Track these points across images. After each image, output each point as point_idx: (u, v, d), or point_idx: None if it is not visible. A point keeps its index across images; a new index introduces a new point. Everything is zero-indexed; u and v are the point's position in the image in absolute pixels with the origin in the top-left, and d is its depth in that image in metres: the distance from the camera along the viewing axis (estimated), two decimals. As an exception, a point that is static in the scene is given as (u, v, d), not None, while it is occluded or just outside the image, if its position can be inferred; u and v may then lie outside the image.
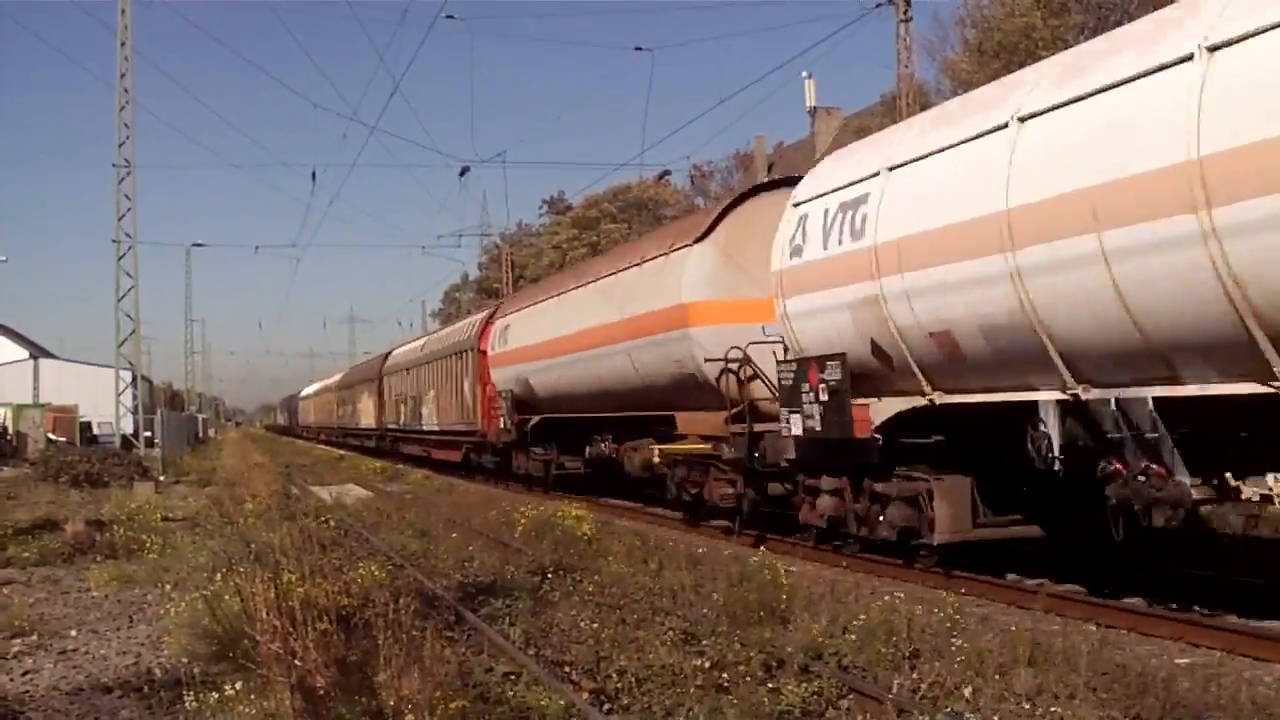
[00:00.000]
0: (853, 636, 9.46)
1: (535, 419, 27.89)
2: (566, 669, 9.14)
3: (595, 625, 10.35)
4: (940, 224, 11.68)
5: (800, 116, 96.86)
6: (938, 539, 12.68)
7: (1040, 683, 7.99)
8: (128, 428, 44.31)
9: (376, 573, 12.36)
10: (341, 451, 65.55)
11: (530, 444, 28.51)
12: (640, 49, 61.72)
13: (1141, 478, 9.78)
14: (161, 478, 36.34)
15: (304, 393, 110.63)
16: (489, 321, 32.79)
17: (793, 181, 16.54)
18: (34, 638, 11.33)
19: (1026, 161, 10.46)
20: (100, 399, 50.81)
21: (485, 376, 31.57)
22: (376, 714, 7.15)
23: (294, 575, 9.85)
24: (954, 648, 8.94)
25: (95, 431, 56.68)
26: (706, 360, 17.25)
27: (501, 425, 29.49)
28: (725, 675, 8.34)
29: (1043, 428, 11.63)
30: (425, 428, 41.99)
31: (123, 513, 21.72)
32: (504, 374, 29.41)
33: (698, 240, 18.30)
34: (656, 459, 19.56)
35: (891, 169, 12.84)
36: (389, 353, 56.44)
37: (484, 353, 31.85)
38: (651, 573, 13.60)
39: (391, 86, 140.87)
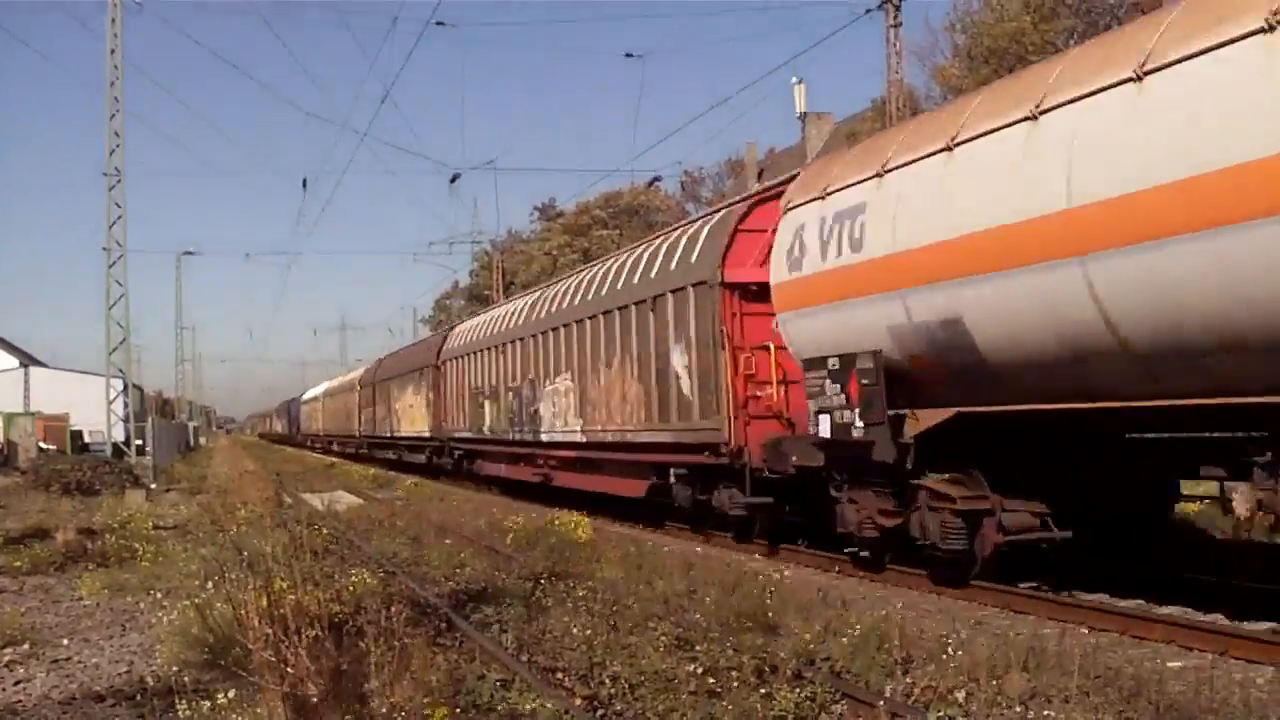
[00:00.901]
0: (845, 642, 9.46)
1: (944, 415, 12.33)
2: (559, 675, 9.14)
3: (588, 632, 10.34)
4: None
5: (791, 122, 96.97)
6: None
7: (1034, 687, 8.01)
8: (119, 436, 44.22)
9: (368, 580, 12.36)
10: (332, 459, 63.77)
11: (918, 467, 12.79)
12: (631, 55, 62.29)
13: None
14: (153, 485, 36.29)
15: (308, 395, 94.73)
16: (743, 222, 17.66)
17: None
18: (26, 646, 11.31)
19: None
20: (91, 407, 50.80)
21: (743, 334, 17.09)
22: (369, 721, 7.14)
23: (285, 582, 9.83)
24: (947, 653, 8.95)
25: (86, 440, 56.65)
26: None
27: (839, 424, 13.57)
28: (718, 681, 8.34)
29: None
30: (549, 437, 25.71)
31: (114, 521, 21.67)
32: (831, 321, 13.72)
33: None
34: None
35: None
36: (451, 330, 41.90)
37: (735, 288, 17.13)
38: (645, 579, 13.60)
39: (382, 93, 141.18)
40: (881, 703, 7.62)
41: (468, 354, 33.79)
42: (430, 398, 39.09)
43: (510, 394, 28.68)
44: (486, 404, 31.20)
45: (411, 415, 42.83)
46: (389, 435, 48.79)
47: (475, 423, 32.51)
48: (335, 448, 72.03)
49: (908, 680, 8.47)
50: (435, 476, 39.38)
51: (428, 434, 39.57)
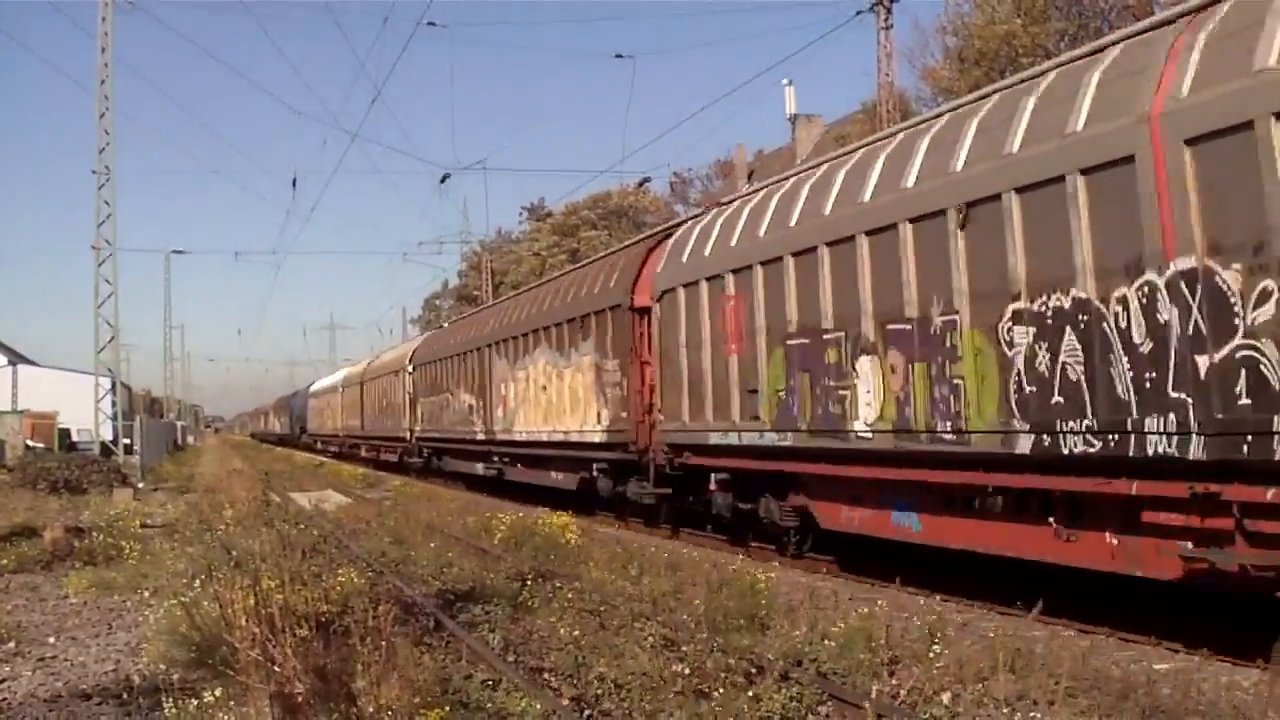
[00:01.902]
0: (832, 643, 9.48)
1: None
2: (546, 675, 9.14)
3: (575, 632, 10.35)
4: None
5: (781, 124, 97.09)
6: None
7: (1021, 688, 8.03)
8: (107, 434, 44.14)
9: (356, 579, 12.34)
10: (322, 459, 62.65)
11: None
12: (620, 56, 62.20)
13: None
14: (140, 484, 36.23)
15: (319, 385, 77.25)
16: None
17: None
18: (12, 645, 11.28)
19: None
20: (79, 405, 50.58)
21: None
22: (355, 721, 7.13)
23: (273, 582, 9.84)
24: (934, 654, 8.97)
25: (74, 438, 56.43)
26: None
27: None
28: (705, 681, 8.34)
29: None
30: None
31: (102, 519, 21.64)
32: None
33: None
34: None
35: None
36: (670, 232, 20.99)
37: None
38: (632, 579, 13.61)
39: (372, 93, 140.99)
40: (868, 704, 7.63)
41: (768, 261, 15.22)
42: (613, 370, 20.97)
43: (1029, 331, 10.82)
44: (870, 366, 13.17)
45: (548, 403, 24.76)
46: (480, 437, 30.70)
47: (820, 411, 14.05)
48: (364, 454, 53.70)
49: (894, 681, 8.49)
50: (587, 511, 23.51)
51: (600, 436, 21.56)
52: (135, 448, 44.75)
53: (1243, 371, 8.45)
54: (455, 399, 33.55)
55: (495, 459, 30.01)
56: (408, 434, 41.16)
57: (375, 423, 48.78)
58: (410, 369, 41.05)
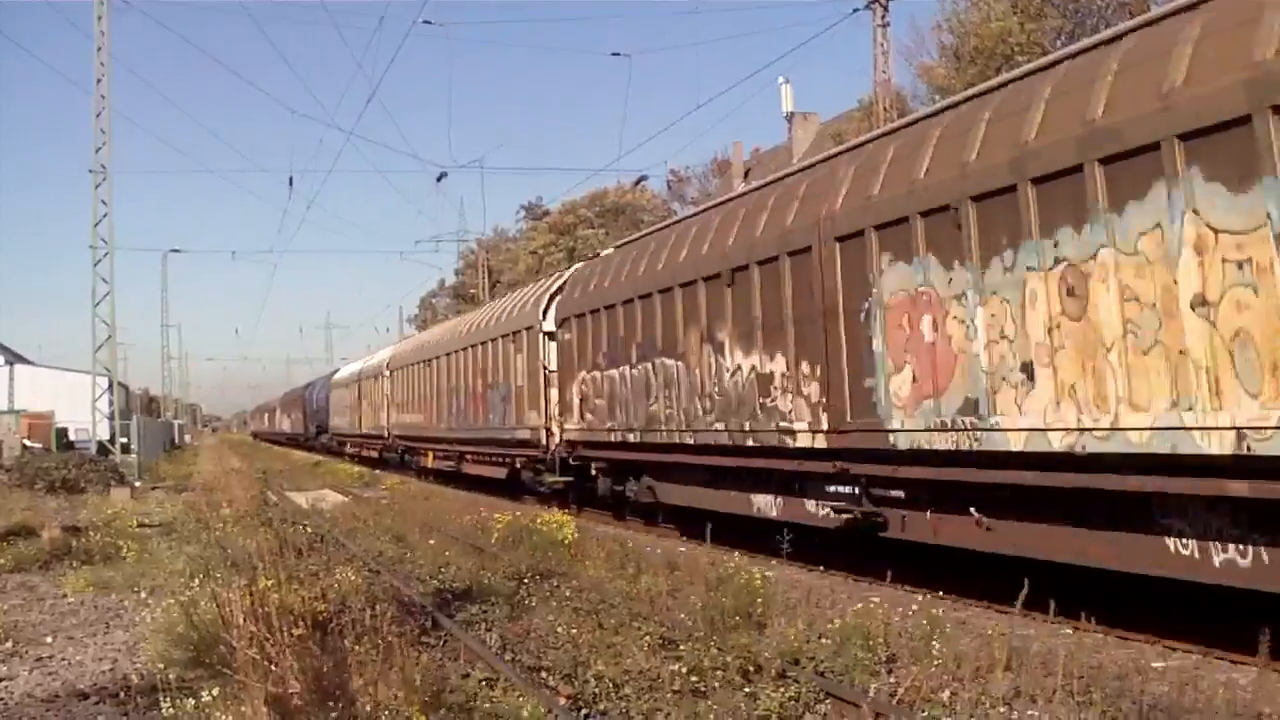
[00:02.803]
0: (829, 641, 9.48)
1: None
2: (543, 674, 9.13)
3: (573, 630, 10.35)
4: None
5: (777, 122, 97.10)
6: None
7: (1018, 686, 8.03)
8: (104, 433, 44.09)
9: (353, 578, 12.34)
10: (319, 456, 62.62)
11: None
12: (617, 54, 62.17)
13: None
14: (138, 483, 36.21)
15: (346, 372, 60.45)
16: None
17: None
18: (9, 645, 11.28)
19: None
20: (77, 405, 50.59)
21: None
22: (353, 720, 7.13)
23: (270, 581, 9.83)
24: (931, 651, 8.96)
25: (72, 437, 56.41)
26: None
27: None
28: (702, 680, 8.35)
29: None
30: None
31: (99, 519, 21.63)
32: None
33: None
34: None
35: None
36: None
37: None
38: (629, 578, 13.60)
39: (369, 92, 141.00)
40: (865, 703, 7.64)
41: None
42: None
43: None
44: None
45: (1210, 345, 8.18)
46: (801, 443, 13.83)
47: None
48: (431, 463, 37.22)
49: (892, 680, 8.49)
50: None
51: None
52: (132, 447, 44.72)
53: None
54: (693, 368, 16.80)
55: (860, 491, 13.32)
56: (541, 434, 24.38)
57: (459, 419, 32.47)
58: (546, 326, 24.47)
